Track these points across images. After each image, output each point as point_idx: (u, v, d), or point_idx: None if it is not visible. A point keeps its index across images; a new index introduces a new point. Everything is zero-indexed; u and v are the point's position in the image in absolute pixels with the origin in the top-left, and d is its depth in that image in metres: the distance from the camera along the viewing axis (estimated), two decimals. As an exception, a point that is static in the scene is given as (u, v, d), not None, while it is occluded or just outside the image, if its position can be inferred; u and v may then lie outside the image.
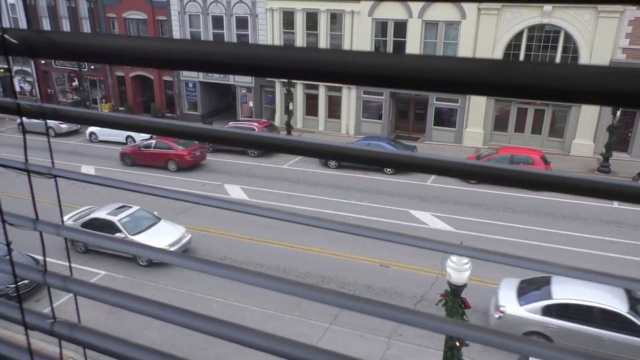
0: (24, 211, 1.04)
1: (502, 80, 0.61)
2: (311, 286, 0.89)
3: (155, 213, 17.31)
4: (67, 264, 13.95)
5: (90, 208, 18.02)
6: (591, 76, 0.58)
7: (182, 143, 24.99)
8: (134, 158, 25.80)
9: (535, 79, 0.60)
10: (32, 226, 1.07)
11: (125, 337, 1.03)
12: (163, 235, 15.92)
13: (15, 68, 38.03)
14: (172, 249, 15.15)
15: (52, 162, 1.06)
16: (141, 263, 15.73)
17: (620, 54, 25.29)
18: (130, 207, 17.08)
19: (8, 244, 1.58)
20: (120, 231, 15.85)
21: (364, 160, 0.80)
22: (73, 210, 17.99)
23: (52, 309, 1.06)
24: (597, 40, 25.27)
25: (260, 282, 0.91)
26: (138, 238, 15.60)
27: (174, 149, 24.97)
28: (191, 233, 16.81)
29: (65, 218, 16.76)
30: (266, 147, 0.86)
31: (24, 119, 1.04)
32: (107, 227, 15.92)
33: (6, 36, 0.86)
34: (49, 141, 1.19)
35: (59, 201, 1.19)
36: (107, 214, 16.54)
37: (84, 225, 16.11)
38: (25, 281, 13.58)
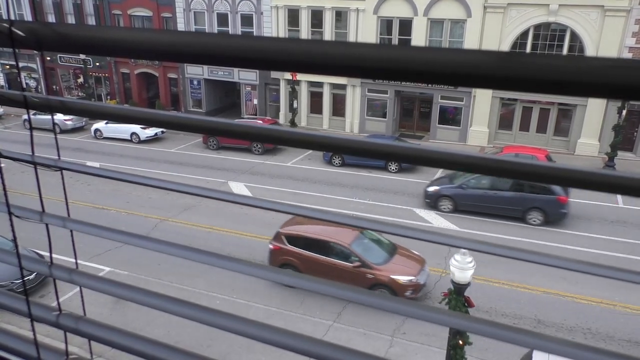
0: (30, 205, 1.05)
1: (508, 72, 0.60)
2: (316, 279, 0.89)
3: None
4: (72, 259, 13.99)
5: None
6: (599, 69, 0.57)
7: None
8: None
9: (542, 71, 0.59)
10: (38, 218, 1.08)
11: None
12: None
13: (20, 64, 38.19)
14: None
15: (59, 155, 1.06)
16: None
17: (627, 53, 25.13)
18: None
19: (14, 236, 1.59)
20: None
21: (371, 154, 0.80)
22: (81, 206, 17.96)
23: (58, 302, 1.07)
24: (604, 39, 25.13)
25: (266, 274, 0.91)
26: None
27: None
28: (197, 231, 16.77)
29: None
30: (272, 141, 0.86)
31: (31, 114, 1.03)
32: None
33: (13, 29, 0.86)
34: (55, 134, 1.20)
35: (65, 194, 1.19)
36: None
37: None
38: (31, 277, 13.66)
